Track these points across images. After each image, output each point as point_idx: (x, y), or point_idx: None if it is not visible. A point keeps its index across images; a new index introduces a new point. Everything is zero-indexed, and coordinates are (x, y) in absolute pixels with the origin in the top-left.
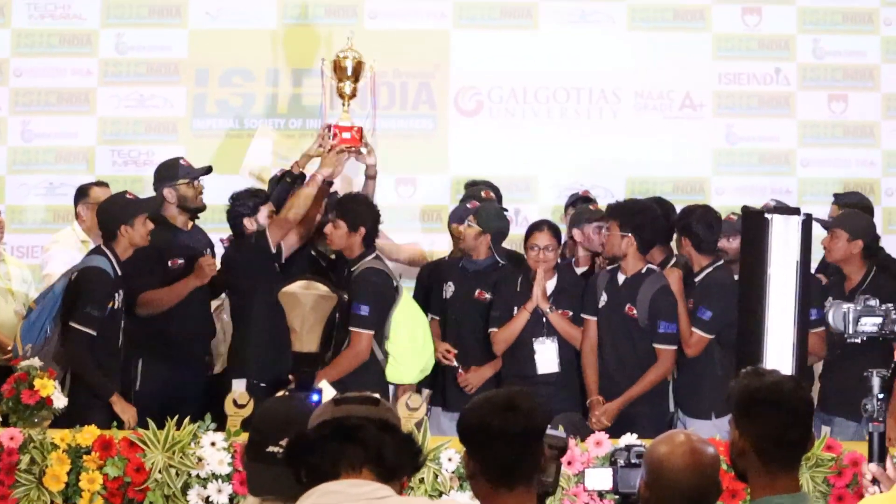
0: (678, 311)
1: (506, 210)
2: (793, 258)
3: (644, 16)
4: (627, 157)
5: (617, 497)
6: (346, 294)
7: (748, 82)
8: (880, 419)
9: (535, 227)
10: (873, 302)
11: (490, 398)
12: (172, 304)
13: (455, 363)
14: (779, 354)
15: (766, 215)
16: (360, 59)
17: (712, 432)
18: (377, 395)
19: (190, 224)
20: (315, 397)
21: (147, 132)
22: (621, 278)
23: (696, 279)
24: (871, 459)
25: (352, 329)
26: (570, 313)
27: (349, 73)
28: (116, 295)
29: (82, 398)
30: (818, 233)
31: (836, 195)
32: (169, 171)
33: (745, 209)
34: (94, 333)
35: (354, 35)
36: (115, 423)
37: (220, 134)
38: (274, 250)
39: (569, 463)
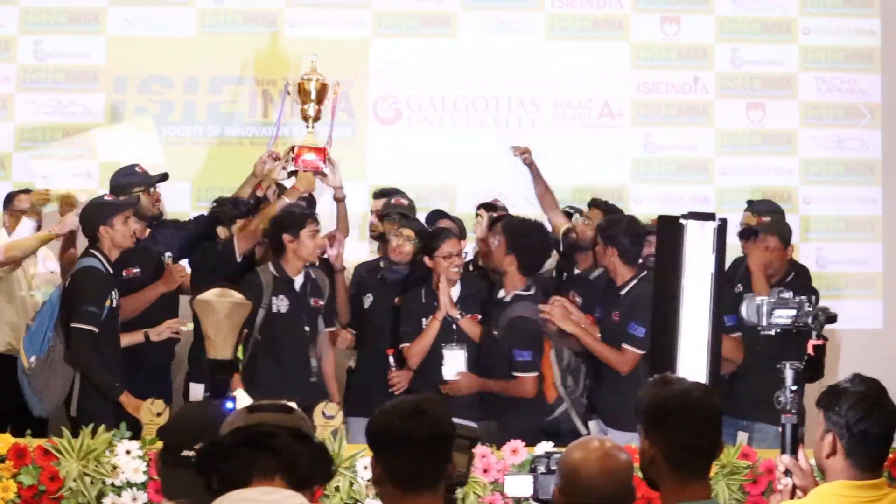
0: (584, 339)
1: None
2: (707, 264)
3: (563, 25)
4: (546, 165)
5: None
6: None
7: (666, 91)
8: (793, 411)
9: (444, 236)
10: (787, 294)
11: (398, 404)
12: (139, 311)
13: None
14: (693, 361)
15: (681, 220)
16: (325, 82)
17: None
18: (291, 404)
19: (147, 231)
20: (229, 404)
21: (65, 139)
22: (501, 293)
23: (622, 292)
24: (783, 451)
25: None
26: (479, 317)
27: (313, 95)
28: (112, 293)
29: (92, 405)
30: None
31: (749, 202)
32: (124, 178)
33: (661, 216)
34: (96, 330)
35: (318, 57)
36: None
37: None
38: (239, 259)
39: (485, 471)
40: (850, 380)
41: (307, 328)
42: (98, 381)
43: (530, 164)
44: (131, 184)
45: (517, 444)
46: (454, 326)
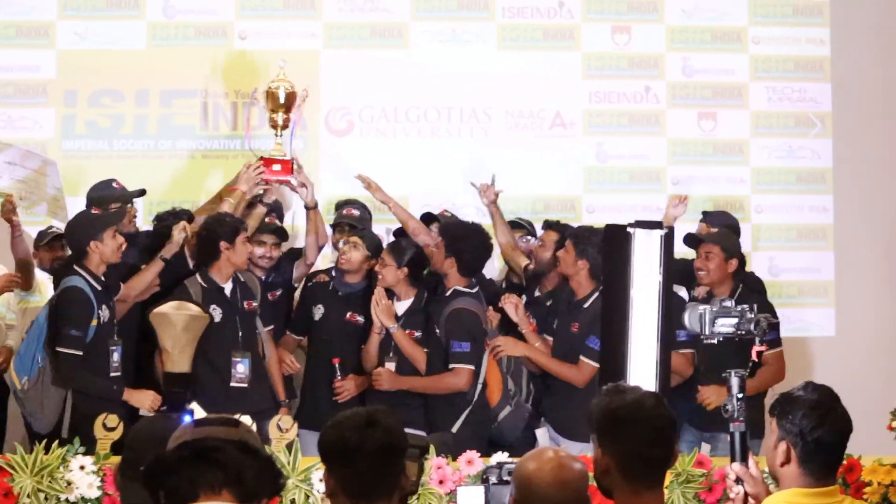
0: (537, 359)
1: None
2: (655, 272)
3: (514, 35)
4: (499, 175)
5: None
6: None
7: (618, 101)
8: (741, 419)
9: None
10: (729, 303)
11: (351, 415)
12: (145, 286)
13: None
14: (642, 369)
15: (629, 229)
16: (293, 90)
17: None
18: (246, 418)
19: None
20: (187, 418)
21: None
22: (446, 293)
23: (584, 305)
24: (733, 459)
25: None
26: (417, 334)
27: (281, 101)
28: (100, 311)
29: (85, 425)
30: (684, 250)
31: (704, 213)
32: (101, 194)
33: (609, 225)
34: (80, 353)
35: (287, 64)
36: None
37: (90, 155)
38: (192, 267)
39: (440, 482)
40: (802, 388)
41: (240, 333)
42: (96, 392)
43: (493, 208)
44: (110, 198)
45: (472, 454)
46: (393, 343)
